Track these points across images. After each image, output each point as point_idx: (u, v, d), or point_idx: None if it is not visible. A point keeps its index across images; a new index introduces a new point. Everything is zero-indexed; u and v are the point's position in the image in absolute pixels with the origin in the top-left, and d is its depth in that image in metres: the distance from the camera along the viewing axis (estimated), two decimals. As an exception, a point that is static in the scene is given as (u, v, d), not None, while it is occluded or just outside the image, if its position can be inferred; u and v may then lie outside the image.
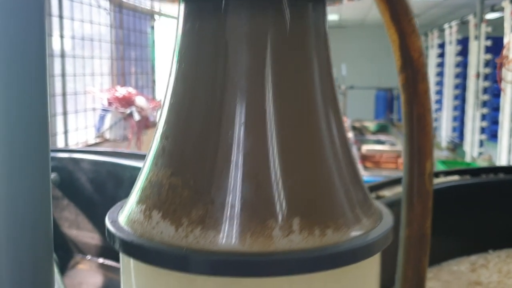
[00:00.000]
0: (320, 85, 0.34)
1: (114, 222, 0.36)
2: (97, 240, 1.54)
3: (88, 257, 1.58)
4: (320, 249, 0.31)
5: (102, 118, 3.49)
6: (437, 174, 1.30)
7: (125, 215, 0.36)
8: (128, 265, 0.35)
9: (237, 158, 0.32)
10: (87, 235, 1.58)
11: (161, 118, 0.36)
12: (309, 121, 0.34)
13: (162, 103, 0.36)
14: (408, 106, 0.46)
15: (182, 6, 0.35)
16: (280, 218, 0.31)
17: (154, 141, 0.36)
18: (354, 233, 0.33)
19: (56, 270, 0.77)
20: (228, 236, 0.31)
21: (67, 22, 3.39)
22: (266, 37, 0.33)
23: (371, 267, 0.35)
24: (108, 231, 0.35)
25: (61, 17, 3.26)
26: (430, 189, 0.46)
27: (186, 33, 0.35)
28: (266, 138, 0.32)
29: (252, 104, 0.33)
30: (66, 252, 1.63)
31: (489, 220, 1.31)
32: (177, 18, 0.36)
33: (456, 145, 6.04)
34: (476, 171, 1.35)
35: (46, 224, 0.36)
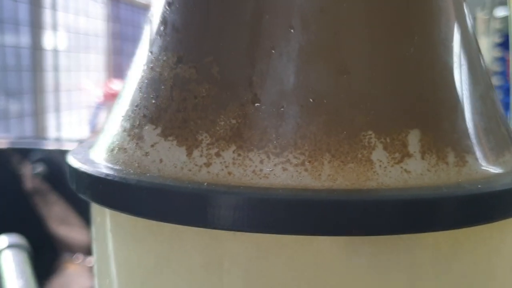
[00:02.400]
0: None
1: (78, 155, 0.21)
2: (89, 238, 1.40)
3: (79, 256, 1.45)
4: (464, 187, 0.16)
5: (96, 115, 3.34)
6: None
7: (99, 144, 0.21)
8: (102, 224, 0.20)
9: (299, 21, 0.17)
10: (78, 233, 1.45)
11: (160, -24, 0.21)
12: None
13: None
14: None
15: None
16: (384, 129, 0.17)
17: (149, 19, 0.21)
18: (508, 166, 0.19)
19: (26, 261, 0.63)
20: (288, 161, 0.16)
21: (61, 14, 3.26)
22: None
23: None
24: (69, 168, 0.20)
25: (54, 8, 3.12)
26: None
27: None
28: (352, -13, 0.18)
29: None
30: (55, 251, 1.50)
31: None
32: None
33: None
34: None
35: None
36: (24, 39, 2.78)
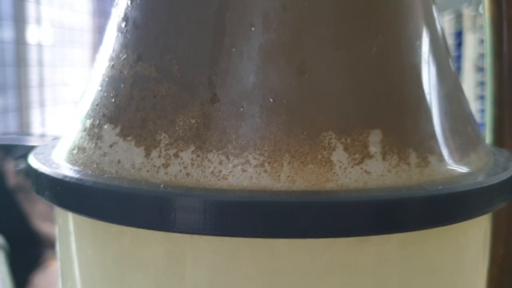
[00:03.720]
0: None
1: (40, 155, 0.20)
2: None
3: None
4: (429, 186, 0.16)
5: (82, 110, 3.32)
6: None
7: (61, 144, 0.21)
8: (64, 225, 0.20)
9: (260, 19, 0.17)
10: (61, 230, 1.44)
11: (122, -28, 0.20)
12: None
13: None
14: (496, 7, 0.31)
15: None
16: (345, 129, 0.16)
17: (112, 14, 0.21)
18: (472, 166, 0.18)
19: (3, 260, 0.62)
20: (247, 162, 0.16)
21: (45, 8, 3.22)
22: None
23: (488, 223, 0.20)
24: (29, 168, 0.20)
25: (38, 3, 3.08)
26: (528, 126, 0.31)
27: None
28: (314, -16, 0.17)
29: None
30: (38, 249, 1.48)
31: None
32: None
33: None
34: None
35: None
36: (8, 33, 2.75)
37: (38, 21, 3.06)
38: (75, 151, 0.19)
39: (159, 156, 0.17)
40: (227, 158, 0.16)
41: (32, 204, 1.44)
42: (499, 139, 0.31)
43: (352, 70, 0.17)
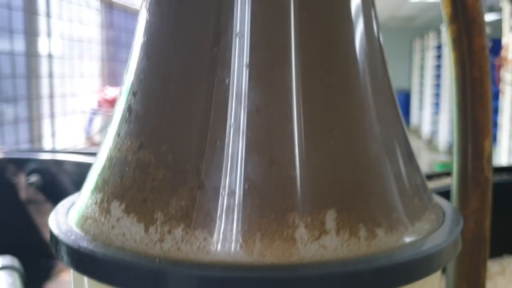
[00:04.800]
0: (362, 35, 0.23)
1: (60, 220, 0.24)
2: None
3: (72, 265, 1.47)
4: (372, 259, 0.20)
5: (91, 121, 3.37)
6: (440, 175, 1.19)
7: (76, 210, 0.25)
8: (80, 281, 0.23)
9: (239, 120, 0.21)
10: (71, 242, 1.47)
11: (129, 65, 0.24)
12: (347, 74, 0.23)
13: (132, 45, 0.25)
14: (460, 68, 0.35)
15: None
16: (306, 210, 0.20)
17: (117, 102, 0.25)
18: (416, 235, 0.22)
19: (18, 283, 0.66)
20: (226, 239, 0.20)
21: (55, 21, 3.28)
22: None
23: (435, 283, 0.24)
24: (51, 233, 0.24)
25: (48, 16, 3.14)
26: (490, 176, 0.35)
27: None
28: (283, 90, 0.21)
29: (262, 39, 0.22)
30: (48, 260, 1.52)
31: (502, 223, 1.19)
32: None
33: (454, 148, 5.89)
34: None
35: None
36: (19, 46, 2.81)
37: (48, 34, 3.12)
38: (87, 222, 0.23)
39: (156, 232, 0.20)
40: (211, 235, 0.20)
41: (43, 216, 1.48)
42: (464, 187, 0.34)
43: (312, 160, 0.21)
